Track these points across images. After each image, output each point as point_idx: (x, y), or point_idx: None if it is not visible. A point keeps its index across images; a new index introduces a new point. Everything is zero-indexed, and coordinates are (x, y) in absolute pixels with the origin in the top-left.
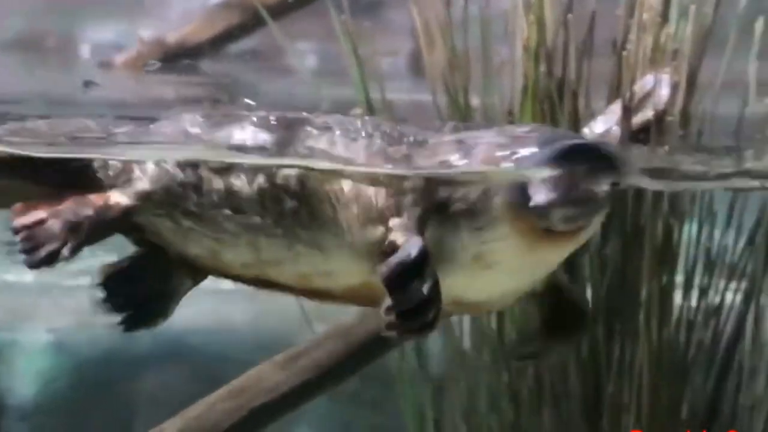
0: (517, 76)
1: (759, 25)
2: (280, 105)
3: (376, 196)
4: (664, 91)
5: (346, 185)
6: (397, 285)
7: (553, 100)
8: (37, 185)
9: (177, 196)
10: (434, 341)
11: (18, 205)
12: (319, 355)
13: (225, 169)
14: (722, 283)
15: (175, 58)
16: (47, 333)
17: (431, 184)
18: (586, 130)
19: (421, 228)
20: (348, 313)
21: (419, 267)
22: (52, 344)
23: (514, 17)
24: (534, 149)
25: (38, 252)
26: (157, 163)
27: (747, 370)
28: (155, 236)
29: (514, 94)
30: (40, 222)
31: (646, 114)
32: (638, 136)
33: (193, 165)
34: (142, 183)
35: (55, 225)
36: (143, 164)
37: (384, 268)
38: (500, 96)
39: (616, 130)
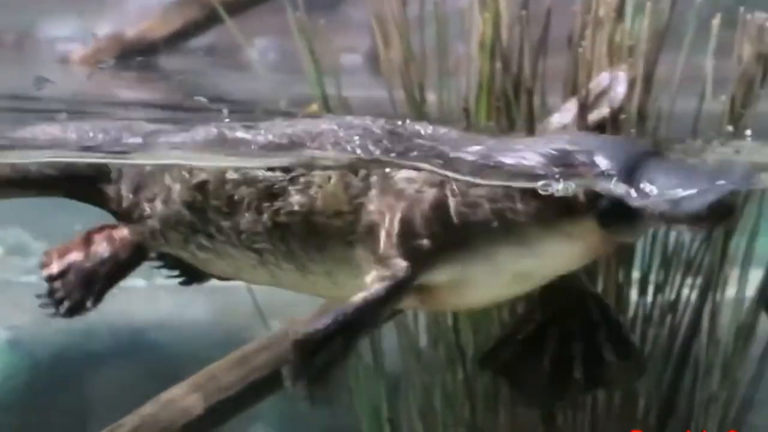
0: (473, 73)
1: (716, 22)
2: (237, 102)
3: (387, 234)
4: (620, 89)
5: (364, 220)
6: (301, 356)
7: (509, 97)
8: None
9: (188, 234)
10: (390, 339)
11: (46, 254)
12: (274, 352)
13: (230, 210)
14: (678, 279)
15: (133, 54)
16: (4, 330)
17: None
18: (541, 128)
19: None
20: (303, 310)
21: (329, 341)
22: (8, 342)
23: (470, 14)
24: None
25: (64, 304)
26: (165, 202)
27: (703, 366)
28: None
29: (469, 91)
30: (65, 272)
31: (601, 111)
32: (594, 133)
33: (200, 207)
34: (152, 221)
35: (76, 276)
36: (153, 202)
37: (294, 333)
38: (456, 93)
39: (572, 128)
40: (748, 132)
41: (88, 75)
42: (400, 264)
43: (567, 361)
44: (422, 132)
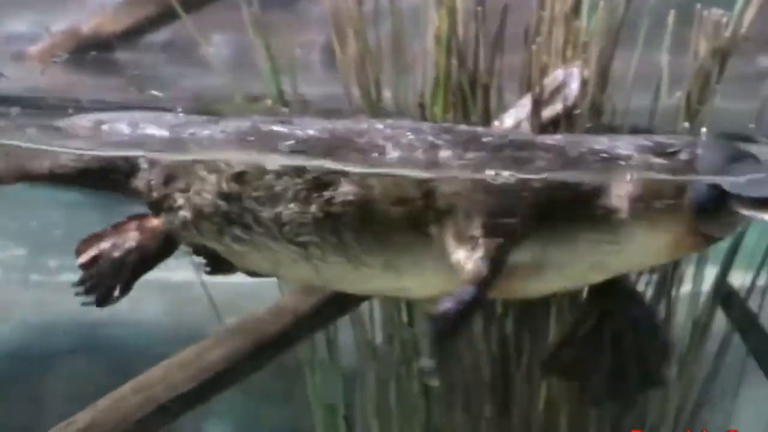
0: (429, 68)
1: (671, 18)
2: (193, 98)
3: (468, 216)
4: (574, 85)
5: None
6: (441, 336)
7: (465, 93)
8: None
9: (223, 225)
10: (345, 334)
11: (80, 243)
12: (228, 348)
13: (271, 201)
14: (634, 275)
15: (88, 49)
16: None
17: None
18: (496, 123)
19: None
20: (257, 306)
21: (464, 320)
22: None
23: (426, 9)
24: None
25: (94, 293)
26: (199, 193)
27: None
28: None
29: (425, 87)
30: (94, 261)
31: (555, 107)
32: (548, 129)
33: (237, 198)
34: (185, 212)
35: (105, 265)
36: (186, 192)
37: (437, 311)
38: (413, 89)
39: (526, 124)
40: (704, 128)
41: (42, 70)
42: (492, 242)
43: (620, 360)
44: (478, 129)
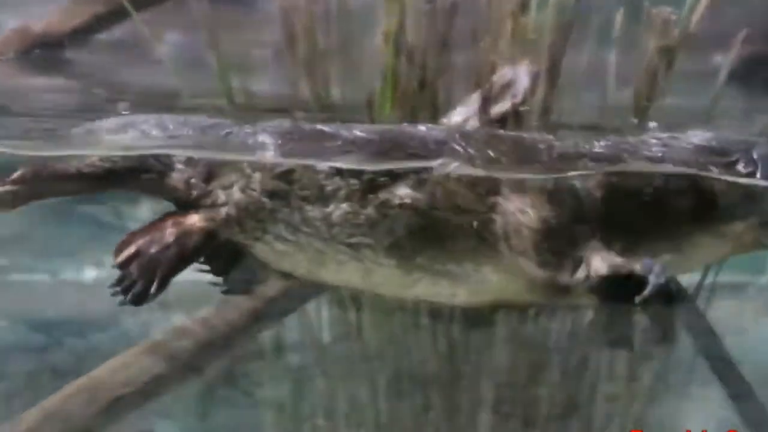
0: (378, 67)
1: (619, 16)
2: (143, 96)
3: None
4: (523, 82)
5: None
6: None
7: (414, 90)
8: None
9: (266, 223)
10: (293, 334)
11: (119, 243)
12: (177, 346)
13: (321, 201)
14: None
15: (39, 47)
16: None
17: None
18: (444, 121)
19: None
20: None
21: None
22: None
23: (375, 7)
24: None
25: (130, 292)
26: (243, 190)
27: (606, 361)
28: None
29: (374, 84)
30: (132, 258)
31: (504, 104)
32: (496, 126)
33: (284, 196)
34: (227, 209)
35: (142, 262)
36: (229, 189)
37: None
38: (362, 86)
39: (474, 120)
40: (653, 124)
41: None
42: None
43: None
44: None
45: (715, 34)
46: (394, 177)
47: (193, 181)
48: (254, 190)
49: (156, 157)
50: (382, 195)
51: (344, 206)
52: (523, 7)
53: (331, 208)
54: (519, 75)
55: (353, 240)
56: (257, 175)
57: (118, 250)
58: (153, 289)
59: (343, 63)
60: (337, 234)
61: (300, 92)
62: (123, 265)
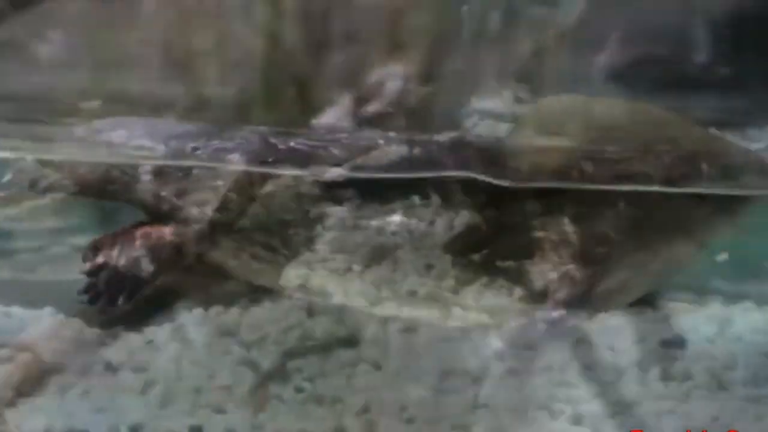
0: (253, 66)
1: (494, 17)
2: (20, 97)
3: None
4: (396, 84)
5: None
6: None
7: (288, 91)
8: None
9: (243, 244)
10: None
11: (87, 248)
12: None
13: (304, 225)
14: None
15: None
16: None
17: None
18: (314, 122)
19: None
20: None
21: None
22: None
23: (252, 6)
24: None
25: (99, 301)
26: (219, 210)
27: (471, 372)
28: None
29: (248, 84)
30: (101, 267)
31: (375, 106)
32: (368, 127)
33: (264, 219)
34: (201, 226)
35: (109, 275)
36: (202, 207)
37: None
38: (237, 86)
39: (346, 122)
40: None
41: None
42: None
43: None
44: None
45: (598, 35)
46: (382, 201)
47: (162, 194)
48: (232, 210)
49: (122, 169)
50: (371, 222)
51: (332, 232)
52: (400, 8)
53: (316, 231)
54: (391, 76)
55: (338, 264)
56: (233, 196)
57: (86, 257)
58: (120, 302)
59: (218, 62)
60: (319, 255)
61: (174, 92)
62: (91, 274)
